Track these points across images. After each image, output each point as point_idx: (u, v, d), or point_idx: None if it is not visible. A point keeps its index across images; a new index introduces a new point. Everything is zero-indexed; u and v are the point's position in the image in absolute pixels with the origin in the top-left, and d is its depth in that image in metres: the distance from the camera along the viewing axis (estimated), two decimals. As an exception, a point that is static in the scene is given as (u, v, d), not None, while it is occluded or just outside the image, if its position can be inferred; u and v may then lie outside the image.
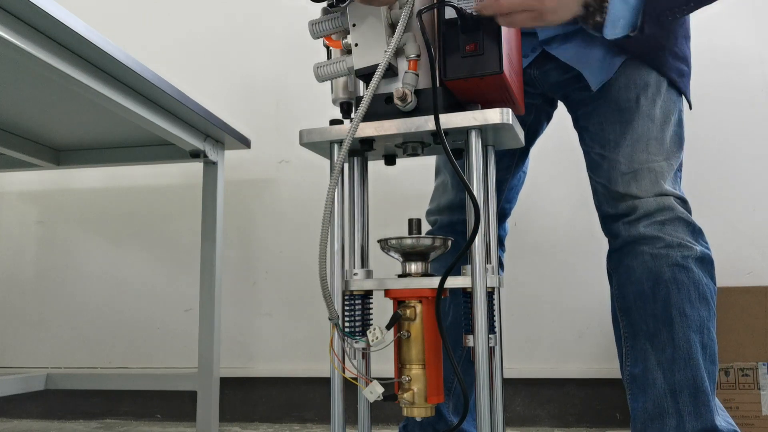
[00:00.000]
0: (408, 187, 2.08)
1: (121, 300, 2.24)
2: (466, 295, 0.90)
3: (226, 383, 2.03)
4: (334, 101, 1.01)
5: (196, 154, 1.77)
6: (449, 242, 0.95)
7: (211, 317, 1.77)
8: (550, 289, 2.02)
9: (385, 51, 0.87)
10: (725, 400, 1.69)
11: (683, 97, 1.21)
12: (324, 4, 0.95)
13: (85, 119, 1.69)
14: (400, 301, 0.92)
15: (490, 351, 0.91)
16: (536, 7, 0.91)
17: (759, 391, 1.69)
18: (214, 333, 1.77)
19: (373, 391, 0.88)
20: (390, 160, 1.02)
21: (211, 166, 1.83)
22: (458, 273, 0.91)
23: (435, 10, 0.91)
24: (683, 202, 1.13)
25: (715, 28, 2.00)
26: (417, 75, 0.89)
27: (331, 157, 0.95)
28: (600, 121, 1.19)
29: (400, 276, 0.94)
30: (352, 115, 0.97)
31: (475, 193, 0.88)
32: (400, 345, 0.91)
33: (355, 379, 0.90)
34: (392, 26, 0.92)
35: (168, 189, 2.28)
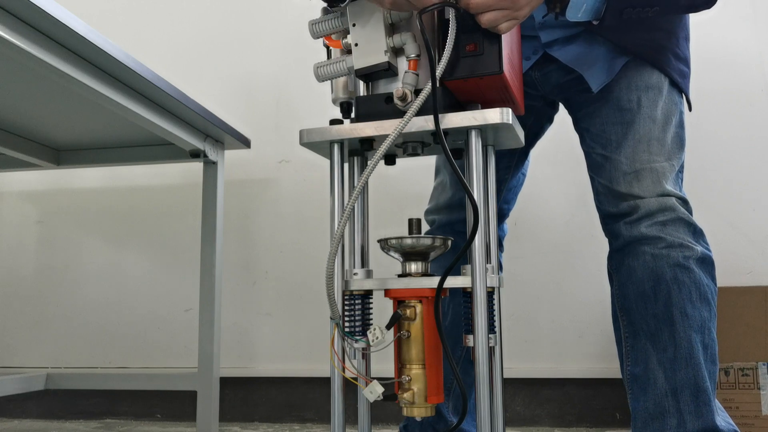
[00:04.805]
0: (408, 187, 2.08)
1: (121, 300, 2.24)
2: (466, 295, 0.90)
3: (226, 383, 2.03)
4: (334, 101, 1.00)
5: (196, 154, 1.77)
6: (449, 242, 0.95)
7: (211, 317, 1.77)
8: (550, 289, 2.02)
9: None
10: (725, 400, 1.69)
11: (684, 98, 1.21)
12: (323, 4, 0.95)
13: (85, 119, 1.68)
14: (400, 300, 0.92)
15: (490, 351, 0.91)
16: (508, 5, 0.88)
17: (759, 391, 1.69)
18: (214, 333, 1.77)
19: (373, 391, 0.88)
20: (390, 160, 1.02)
21: (211, 166, 1.83)
22: (458, 273, 0.91)
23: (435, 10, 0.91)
24: (684, 202, 1.13)
25: (715, 27, 2.00)
26: (417, 75, 0.89)
27: (331, 157, 0.95)
28: (602, 122, 1.19)
29: (400, 276, 0.94)
30: (352, 115, 0.97)
31: (474, 193, 0.88)
32: (400, 345, 0.91)
33: (355, 378, 0.90)
34: (392, 26, 0.92)
35: (168, 189, 2.28)
